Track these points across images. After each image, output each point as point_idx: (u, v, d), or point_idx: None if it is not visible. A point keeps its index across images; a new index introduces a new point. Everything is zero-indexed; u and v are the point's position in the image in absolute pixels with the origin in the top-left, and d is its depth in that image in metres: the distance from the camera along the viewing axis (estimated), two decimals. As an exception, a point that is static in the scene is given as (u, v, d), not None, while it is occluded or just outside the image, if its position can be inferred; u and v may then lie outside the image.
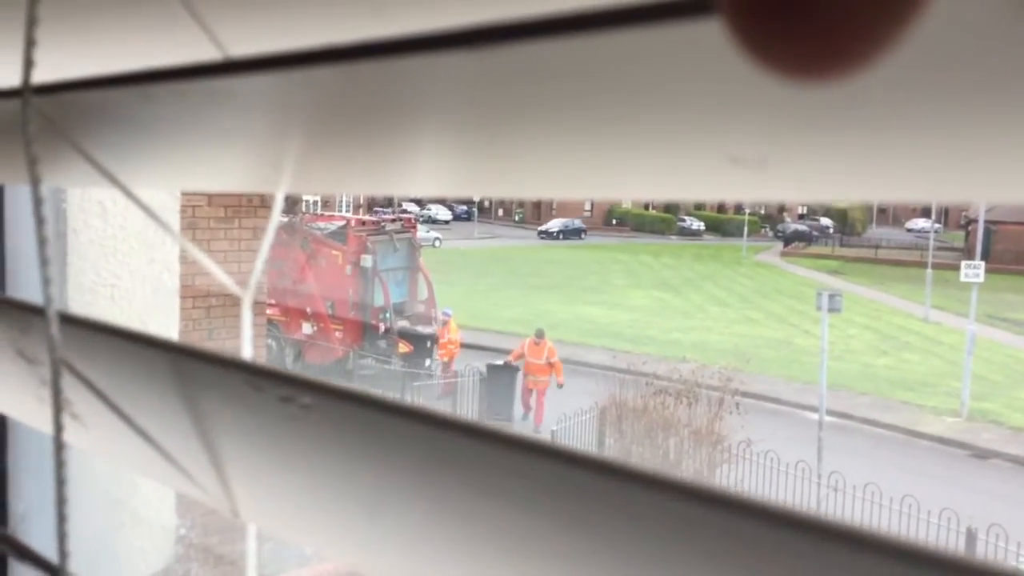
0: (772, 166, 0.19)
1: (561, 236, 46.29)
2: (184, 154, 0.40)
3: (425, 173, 0.31)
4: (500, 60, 0.22)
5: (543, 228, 47.50)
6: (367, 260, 15.02)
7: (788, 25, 0.14)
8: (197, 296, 6.27)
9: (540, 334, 13.87)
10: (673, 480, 0.25)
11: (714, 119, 0.19)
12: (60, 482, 0.40)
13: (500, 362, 13.79)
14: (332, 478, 0.36)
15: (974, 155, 0.19)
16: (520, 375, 13.64)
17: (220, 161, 0.40)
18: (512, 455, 0.30)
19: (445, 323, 15.21)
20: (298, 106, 0.31)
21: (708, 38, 0.17)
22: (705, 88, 0.19)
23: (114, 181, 0.43)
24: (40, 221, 0.39)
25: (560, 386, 13.48)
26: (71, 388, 0.49)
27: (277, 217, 0.46)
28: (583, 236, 46.93)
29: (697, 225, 52.86)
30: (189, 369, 0.44)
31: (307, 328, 15.13)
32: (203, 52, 0.37)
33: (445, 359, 14.96)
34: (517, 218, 55.57)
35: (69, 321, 0.51)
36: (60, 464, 0.40)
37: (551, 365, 13.64)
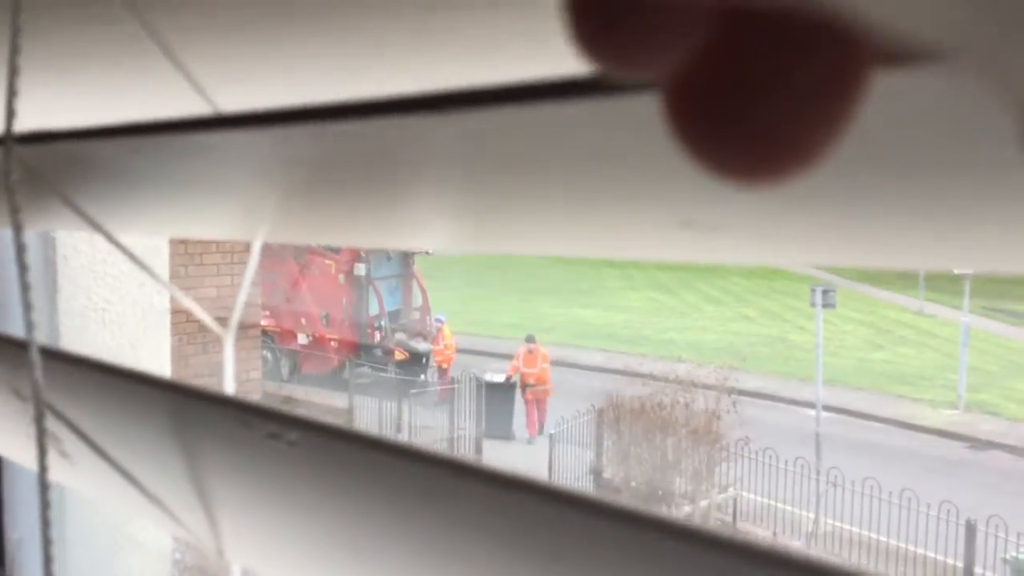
0: (724, 231, 0.20)
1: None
2: (169, 203, 0.41)
3: (403, 226, 0.32)
4: (471, 124, 0.23)
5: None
6: (360, 269, 14.96)
7: (726, 130, 0.13)
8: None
9: (531, 340, 13.36)
10: (664, 520, 0.25)
11: (667, 186, 0.20)
12: (45, 523, 0.40)
13: (499, 378, 13.33)
14: (316, 515, 0.36)
15: (929, 223, 0.19)
16: (518, 391, 13.08)
17: (205, 211, 0.41)
18: (499, 492, 0.30)
19: (439, 329, 15.16)
20: (283, 160, 0.31)
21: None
22: (659, 157, 0.20)
23: (99, 228, 0.43)
24: (23, 268, 0.40)
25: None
26: (59, 426, 0.49)
27: (254, 265, 0.47)
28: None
29: (690, 224, 52.90)
30: (179, 406, 0.44)
31: (302, 338, 15.08)
32: (189, 103, 0.37)
33: (444, 365, 14.90)
34: (510, 222, 55.58)
35: (57, 358, 0.51)
36: (45, 505, 0.40)
37: (545, 371, 13.36)
